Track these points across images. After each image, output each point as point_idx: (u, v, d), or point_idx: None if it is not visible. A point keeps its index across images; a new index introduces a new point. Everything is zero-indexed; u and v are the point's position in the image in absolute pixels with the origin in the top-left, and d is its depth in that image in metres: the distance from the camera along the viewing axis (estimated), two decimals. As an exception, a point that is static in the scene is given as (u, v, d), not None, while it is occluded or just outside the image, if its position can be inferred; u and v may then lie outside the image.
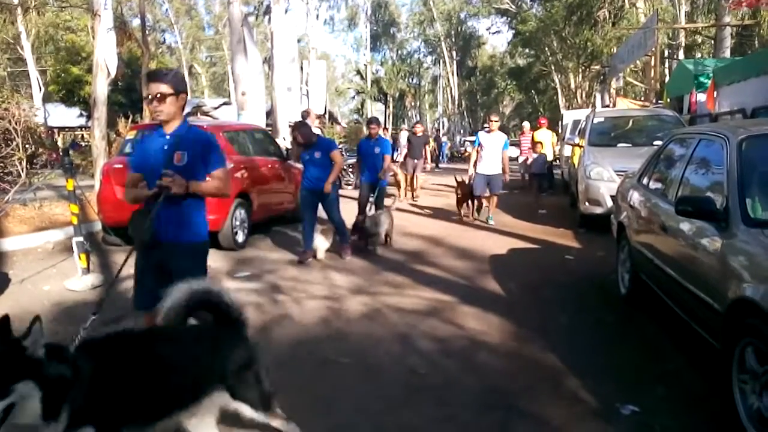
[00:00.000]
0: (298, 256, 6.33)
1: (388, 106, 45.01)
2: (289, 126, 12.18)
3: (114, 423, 1.87)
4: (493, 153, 8.60)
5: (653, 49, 15.18)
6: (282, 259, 6.46)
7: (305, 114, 10.25)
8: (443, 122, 49.07)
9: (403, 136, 14.99)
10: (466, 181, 9.01)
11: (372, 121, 7.73)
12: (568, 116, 15.63)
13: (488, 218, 8.83)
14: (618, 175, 6.90)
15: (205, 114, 20.03)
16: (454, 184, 9.22)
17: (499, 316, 4.40)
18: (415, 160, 12.45)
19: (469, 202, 9.11)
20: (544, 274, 5.72)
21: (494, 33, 39.86)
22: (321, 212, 6.41)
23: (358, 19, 44.53)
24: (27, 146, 7.66)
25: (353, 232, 6.68)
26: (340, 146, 19.30)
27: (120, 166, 6.96)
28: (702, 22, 19.07)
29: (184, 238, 2.82)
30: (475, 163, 8.87)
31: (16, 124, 7.26)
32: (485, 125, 12.65)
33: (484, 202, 9.11)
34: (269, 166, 7.96)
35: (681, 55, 19.74)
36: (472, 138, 31.43)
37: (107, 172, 7.01)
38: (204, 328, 2.41)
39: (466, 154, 17.73)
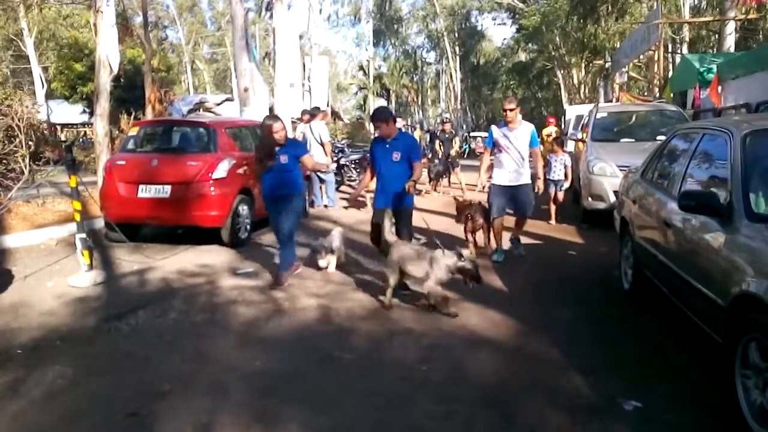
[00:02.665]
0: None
1: (391, 102, 44.97)
2: (292, 122, 12.17)
3: None
4: (515, 154, 5.81)
5: (657, 43, 15.09)
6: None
7: (315, 111, 10.13)
8: (446, 117, 49.03)
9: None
10: (479, 199, 6.38)
11: (376, 115, 5.01)
12: (571, 111, 15.62)
13: (517, 249, 6.25)
14: (621, 170, 6.89)
15: (208, 110, 20.04)
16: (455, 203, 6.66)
17: (500, 312, 4.40)
18: None
19: (475, 224, 6.26)
20: (546, 270, 5.71)
21: (499, 24, 39.81)
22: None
23: (361, 14, 44.49)
24: (30, 143, 7.66)
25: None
26: (343, 142, 19.37)
27: (123, 162, 7.00)
28: (708, 15, 18.94)
29: None
30: (488, 169, 6.17)
31: (19, 121, 7.28)
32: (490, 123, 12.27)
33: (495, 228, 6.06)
34: (271, 162, 7.95)
35: (684, 49, 19.64)
36: (477, 134, 31.35)
37: (110, 168, 7.02)
38: None
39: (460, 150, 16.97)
